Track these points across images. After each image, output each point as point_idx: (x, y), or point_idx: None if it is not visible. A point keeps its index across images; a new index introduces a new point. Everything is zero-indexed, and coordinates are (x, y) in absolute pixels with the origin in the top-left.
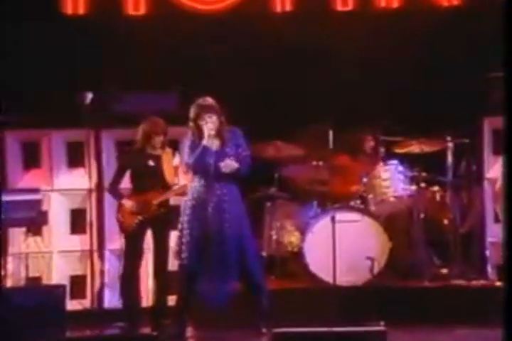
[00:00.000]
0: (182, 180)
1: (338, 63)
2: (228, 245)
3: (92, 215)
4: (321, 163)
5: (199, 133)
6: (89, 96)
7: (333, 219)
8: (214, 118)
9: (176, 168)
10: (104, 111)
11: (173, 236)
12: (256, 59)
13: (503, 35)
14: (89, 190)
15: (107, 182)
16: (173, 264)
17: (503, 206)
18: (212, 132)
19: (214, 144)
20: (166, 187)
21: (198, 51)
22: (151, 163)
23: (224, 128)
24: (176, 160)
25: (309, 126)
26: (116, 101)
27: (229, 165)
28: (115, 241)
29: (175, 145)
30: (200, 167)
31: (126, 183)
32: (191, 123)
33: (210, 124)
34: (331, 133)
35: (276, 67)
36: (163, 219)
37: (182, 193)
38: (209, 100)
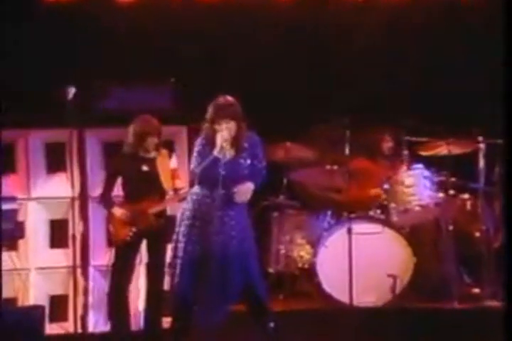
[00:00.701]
0: (180, 185)
1: (354, 58)
2: (230, 262)
3: (74, 227)
4: (335, 166)
5: (212, 139)
6: (72, 91)
7: (349, 230)
8: (232, 124)
9: (173, 172)
10: (88, 107)
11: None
12: (262, 53)
13: (503, 34)
14: (72, 199)
15: (91, 189)
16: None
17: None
18: (226, 143)
19: (227, 153)
20: (162, 194)
21: (195, 43)
22: (144, 167)
23: (242, 136)
24: (173, 163)
25: (323, 126)
26: (103, 96)
27: (243, 191)
28: (101, 257)
29: (170, 147)
30: (207, 178)
31: (117, 190)
32: (206, 125)
33: (225, 133)
34: (347, 133)
35: (284, 62)
36: (160, 231)
37: (181, 200)
38: (230, 100)
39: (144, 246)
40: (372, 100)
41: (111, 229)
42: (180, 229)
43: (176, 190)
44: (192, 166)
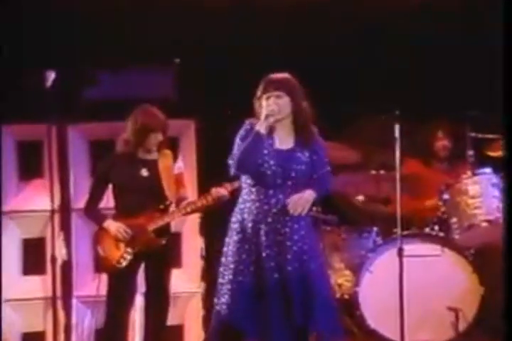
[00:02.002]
0: (183, 194)
1: (402, 36)
2: (290, 288)
3: (54, 247)
4: (382, 171)
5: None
6: (51, 76)
7: (400, 252)
8: (285, 99)
9: (177, 177)
10: (71, 97)
11: (180, 276)
12: (293, 36)
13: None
14: (51, 212)
15: (76, 199)
16: (173, 316)
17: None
18: (273, 116)
19: (281, 139)
20: (165, 206)
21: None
22: (144, 172)
23: (302, 118)
24: (178, 166)
25: (365, 119)
26: (90, 83)
27: (299, 203)
28: (87, 285)
29: (174, 146)
30: (250, 168)
31: (108, 201)
32: (256, 104)
33: (273, 106)
34: (397, 128)
35: (316, 49)
36: (162, 253)
37: (187, 214)
38: (284, 75)
39: (141, 271)
40: (427, 86)
41: (100, 250)
42: (229, 247)
43: (178, 201)
44: (233, 155)
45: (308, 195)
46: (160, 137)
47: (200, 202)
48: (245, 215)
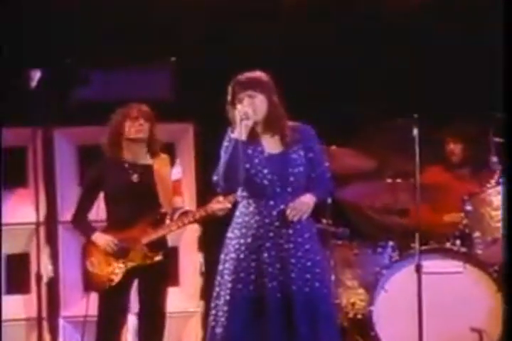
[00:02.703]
0: (178, 204)
1: (417, 36)
2: (293, 308)
3: (40, 264)
4: (399, 180)
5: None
6: (37, 75)
7: (418, 269)
8: (259, 98)
9: (174, 185)
10: (59, 98)
11: (177, 295)
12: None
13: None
14: (36, 225)
15: (63, 210)
16: (169, 339)
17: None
18: (249, 119)
19: (269, 143)
20: (161, 216)
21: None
22: (135, 178)
23: (279, 116)
24: (175, 173)
25: (381, 123)
26: (79, 82)
27: (298, 208)
28: (75, 304)
29: (171, 150)
30: (238, 180)
31: (98, 212)
32: (228, 108)
33: (247, 108)
34: (415, 131)
35: (327, 49)
36: (158, 269)
37: (183, 225)
38: (253, 74)
39: (134, 288)
40: (444, 90)
41: (89, 265)
42: (225, 265)
43: (173, 211)
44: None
45: (307, 198)
46: (141, 122)
47: (199, 214)
48: (244, 230)
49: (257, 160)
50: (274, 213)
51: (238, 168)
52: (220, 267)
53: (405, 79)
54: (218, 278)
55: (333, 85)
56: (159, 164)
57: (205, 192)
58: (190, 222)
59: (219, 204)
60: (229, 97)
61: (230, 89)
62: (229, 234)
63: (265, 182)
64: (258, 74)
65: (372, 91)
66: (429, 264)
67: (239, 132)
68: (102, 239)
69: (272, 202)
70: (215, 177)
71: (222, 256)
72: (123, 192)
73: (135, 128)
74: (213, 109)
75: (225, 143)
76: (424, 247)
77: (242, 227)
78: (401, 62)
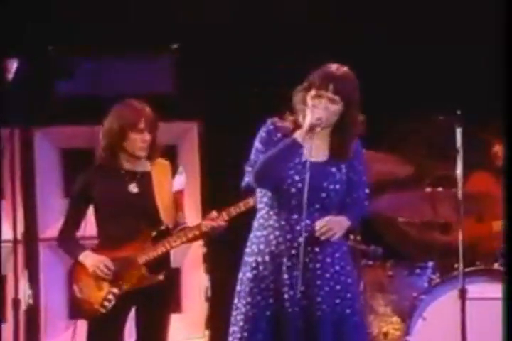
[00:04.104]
0: (181, 219)
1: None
2: (318, 338)
3: (17, 288)
4: (440, 188)
5: (295, 124)
6: (14, 65)
7: (462, 293)
8: (337, 107)
9: (176, 195)
10: (40, 93)
11: (179, 322)
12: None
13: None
14: (13, 242)
15: (44, 226)
16: None
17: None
18: (319, 126)
19: (314, 148)
20: (159, 232)
21: None
22: (133, 188)
23: (349, 132)
24: (178, 181)
25: (418, 122)
26: (63, 74)
27: (331, 226)
28: (58, 335)
29: (172, 155)
30: (273, 182)
31: (88, 228)
32: (297, 96)
33: (322, 112)
34: (458, 132)
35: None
36: (158, 293)
37: (195, 239)
38: (346, 72)
39: (131, 316)
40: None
41: (77, 290)
42: (242, 286)
43: (175, 226)
44: (249, 161)
45: (343, 219)
46: (146, 137)
47: (191, 233)
48: (261, 246)
49: (291, 164)
50: (298, 228)
51: (281, 169)
52: (238, 288)
53: (444, 71)
54: (235, 300)
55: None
56: (158, 170)
57: (210, 201)
58: (190, 239)
59: (211, 222)
60: (306, 85)
61: (314, 77)
62: (247, 250)
63: (293, 189)
64: (351, 75)
65: (406, 84)
66: (475, 288)
67: (301, 134)
68: (92, 260)
69: (295, 216)
70: (248, 168)
71: (240, 275)
72: (118, 203)
73: (138, 144)
74: (222, 106)
75: (263, 134)
76: (469, 268)
77: (259, 243)
78: (436, 52)
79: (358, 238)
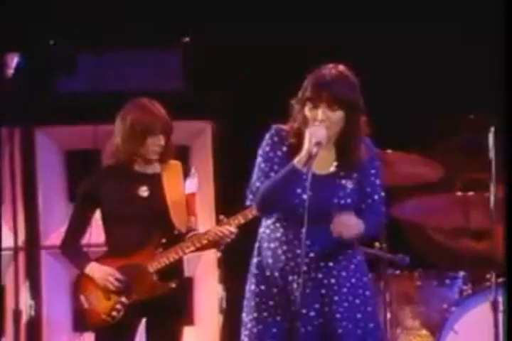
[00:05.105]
0: (192, 223)
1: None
2: None
3: (18, 299)
4: (471, 193)
5: (297, 135)
6: (15, 60)
7: (495, 305)
8: (338, 114)
9: (188, 199)
10: (42, 90)
11: (192, 335)
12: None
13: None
14: (14, 250)
15: (46, 233)
16: None
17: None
18: (322, 144)
19: (319, 160)
20: (171, 238)
21: None
22: (143, 191)
23: (355, 139)
24: (190, 184)
25: (447, 122)
26: (66, 70)
27: (347, 224)
28: None
29: (185, 156)
30: (278, 207)
31: (94, 235)
32: (295, 108)
33: (318, 133)
34: (491, 132)
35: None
36: (170, 303)
37: (209, 246)
38: (341, 71)
39: (141, 328)
40: None
41: (84, 301)
42: (249, 300)
43: (187, 232)
44: (253, 177)
45: (359, 222)
46: (161, 141)
47: (205, 239)
48: (269, 260)
49: (297, 179)
50: (308, 243)
51: (284, 199)
52: (245, 302)
53: (474, 67)
54: (243, 315)
55: (381, 74)
56: (170, 173)
57: (225, 205)
58: (204, 246)
59: (222, 229)
60: (300, 95)
61: (307, 85)
62: (254, 260)
63: (301, 209)
64: (348, 76)
65: (434, 80)
66: None
67: (300, 160)
68: (99, 273)
69: (303, 230)
70: (250, 195)
71: (247, 288)
72: (128, 208)
73: (153, 148)
74: (237, 104)
75: (266, 148)
76: (502, 279)
77: (267, 256)
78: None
79: (384, 246)
